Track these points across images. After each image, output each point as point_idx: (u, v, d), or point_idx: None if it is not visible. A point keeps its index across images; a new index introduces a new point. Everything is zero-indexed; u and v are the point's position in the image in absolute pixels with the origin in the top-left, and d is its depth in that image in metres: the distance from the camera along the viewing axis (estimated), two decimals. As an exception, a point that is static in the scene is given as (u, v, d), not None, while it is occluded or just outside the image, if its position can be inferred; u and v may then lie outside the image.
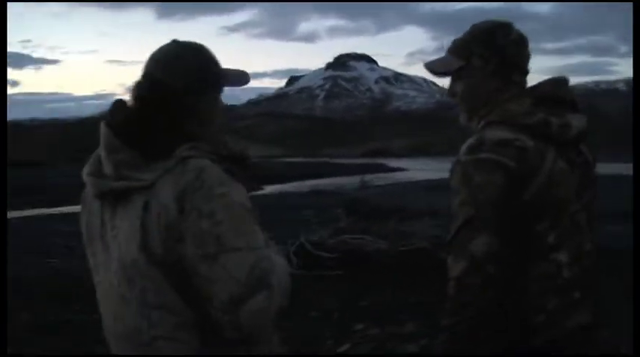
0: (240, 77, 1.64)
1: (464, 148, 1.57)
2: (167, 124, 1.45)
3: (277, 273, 1.38)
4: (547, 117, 1.59)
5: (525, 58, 1.71)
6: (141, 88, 1.50)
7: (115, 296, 1.45)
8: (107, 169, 1.42)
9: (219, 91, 1.58)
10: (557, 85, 1.68)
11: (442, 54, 1.79)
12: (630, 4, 3.47)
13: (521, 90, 1.68)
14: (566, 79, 1.72)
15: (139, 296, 1.40)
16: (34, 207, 20.29)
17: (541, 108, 1.61)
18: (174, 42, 1.56)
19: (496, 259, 1.49)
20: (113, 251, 1.44)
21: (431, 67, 1.78)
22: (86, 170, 1.48)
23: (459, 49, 1.72)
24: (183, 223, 1.33)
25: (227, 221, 1.33)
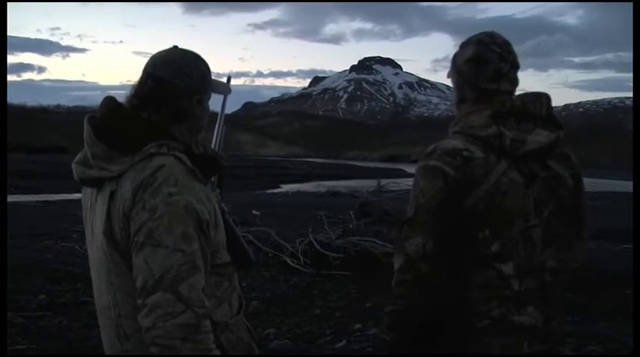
0: (225, 87, 1.81)
1: (423, 153, 1.67)
2: (150, 123, 1.54)
3: (195, 288, 1.41)
4: (501, 130, 1.61)
5: (480, 76, 1.71)
6: (146, 87, 1.58)
7: (96, 273, 1.61)
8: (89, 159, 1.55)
9: (209, 97, 1.70)
10: (527, 101, 1.68)
11: None
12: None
13: (482, 104, 1.69)
14: (542, 95, 1.71)
15: (106, 276, 1.55)
16: (57, 192, 20.73)
17: (502, 122, 1.63)
18: (177, 48, 1.64)
19: (429, 258, 1.58)
20: (93, 232, 1.58)
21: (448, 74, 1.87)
22: (75, 159, 1.60)
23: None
24: (132, 214, 1.45)
25: (164, 218, 1.42)
